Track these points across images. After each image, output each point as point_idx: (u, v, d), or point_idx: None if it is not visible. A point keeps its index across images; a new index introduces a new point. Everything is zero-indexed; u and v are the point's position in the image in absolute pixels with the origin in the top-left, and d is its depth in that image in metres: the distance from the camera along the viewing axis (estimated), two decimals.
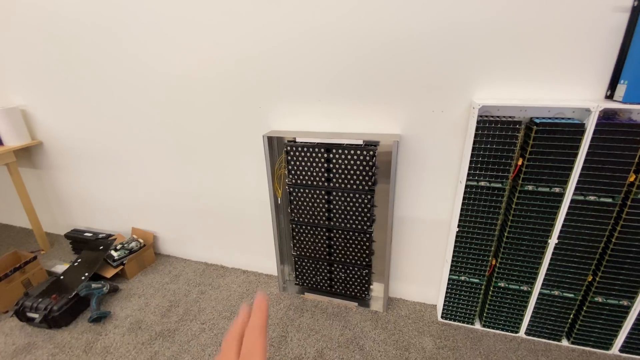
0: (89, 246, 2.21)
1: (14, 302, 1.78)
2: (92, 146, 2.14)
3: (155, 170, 2.06)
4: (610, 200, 1.25)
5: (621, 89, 1.15)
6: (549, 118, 1.24)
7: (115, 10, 1.66)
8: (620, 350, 1.47)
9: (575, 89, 1.25)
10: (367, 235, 1.61)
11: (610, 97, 1.21)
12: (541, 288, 1.46)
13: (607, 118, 1.19)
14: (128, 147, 2.05)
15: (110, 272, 2.02)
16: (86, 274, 1.93)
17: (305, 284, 1.90)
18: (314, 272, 1.83)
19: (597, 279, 1.36)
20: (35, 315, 1.69)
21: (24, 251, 2.07)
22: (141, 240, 2.20)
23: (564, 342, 1.54)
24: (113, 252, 2.07)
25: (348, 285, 1.79)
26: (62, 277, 1.97)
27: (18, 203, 2.60)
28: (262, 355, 0.25)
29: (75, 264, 2.04)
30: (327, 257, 1.75)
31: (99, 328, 1.73)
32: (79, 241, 2.32)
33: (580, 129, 1.17)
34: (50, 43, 1.88)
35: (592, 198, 1.26)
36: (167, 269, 2.21)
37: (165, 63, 1.71)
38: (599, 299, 1.40)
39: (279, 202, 1.78)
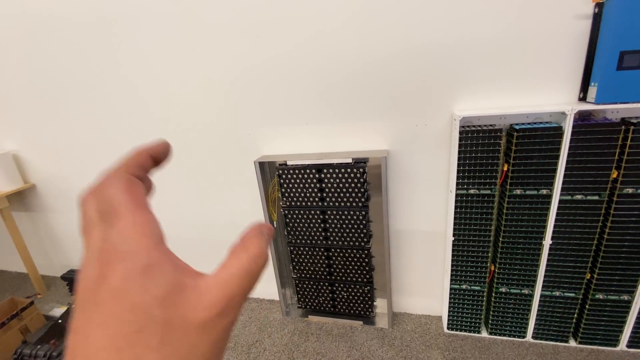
0: None
1: (12, 352, 1.73)
2: (85, 185, 2.14)
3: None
4: (596, 197, 1.28)
5: (592, 91, 1.20)
6: (528, 123, 1.28)
7: (105, 50, 1.71)
8: (628, 346, 1.46)
9: (549, 94, 1.30)
10: (366, 251, 1.62)
11: (583, 99, 1.26)
12: (542, 290, 1.47)
13: (582, 119, 1.24)
14: None
15: None
16: None
17: (308, 307, 1.88)
18: (316, 294, 1.82)
19: (595, 276, 1.37)
20: None
21: (20, 297, 2.03)
22: None
23: (572, 343, 1.53)
24: None
25: (351, 304, 1.78)
26: (60, 320, 1.92)
27: (12, 248, 2.57)
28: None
29: (73, 305, 2.00)
30: (328, 277, 1.75)
31: None
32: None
33: (558, 131, 1.22)
34: (40, 85, 1.92)
35: (579, 197, 1.29)
36: None
37: (155, 99, 1.74)
38: (600, 296, 1.41)
39: (275, 225, 1.79)
